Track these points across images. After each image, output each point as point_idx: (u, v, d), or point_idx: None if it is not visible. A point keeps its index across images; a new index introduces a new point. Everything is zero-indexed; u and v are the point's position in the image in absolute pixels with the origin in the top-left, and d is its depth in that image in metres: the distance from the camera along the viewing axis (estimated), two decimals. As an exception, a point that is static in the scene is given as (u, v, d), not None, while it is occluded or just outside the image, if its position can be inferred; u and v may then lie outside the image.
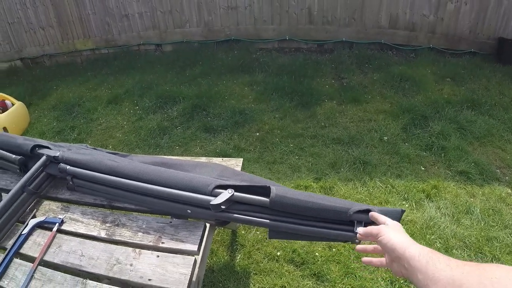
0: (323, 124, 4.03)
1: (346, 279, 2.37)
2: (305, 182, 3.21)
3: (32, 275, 1.50)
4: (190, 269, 1.43)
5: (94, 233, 1.69)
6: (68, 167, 1.85)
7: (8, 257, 1.59)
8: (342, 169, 3.34)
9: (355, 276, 2.38)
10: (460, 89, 4.49)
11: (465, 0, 4.90)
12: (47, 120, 4.96)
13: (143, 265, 1.48)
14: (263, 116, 4.26)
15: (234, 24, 5.77)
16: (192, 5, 5.77)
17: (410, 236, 2.19)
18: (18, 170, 2.03)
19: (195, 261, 1.49)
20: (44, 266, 1.56)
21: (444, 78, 4.73)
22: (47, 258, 1.59)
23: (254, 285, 2.40)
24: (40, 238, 1.69)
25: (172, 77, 5.47)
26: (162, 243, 1.57)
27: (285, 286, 2.37)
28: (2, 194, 1.91)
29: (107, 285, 1.43)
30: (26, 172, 1.93)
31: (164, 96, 4.88)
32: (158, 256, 1.50)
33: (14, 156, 2.01)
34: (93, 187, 1.85)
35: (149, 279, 1.41)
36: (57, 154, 1.94)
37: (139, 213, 1.81)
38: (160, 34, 6.20)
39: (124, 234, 1.65)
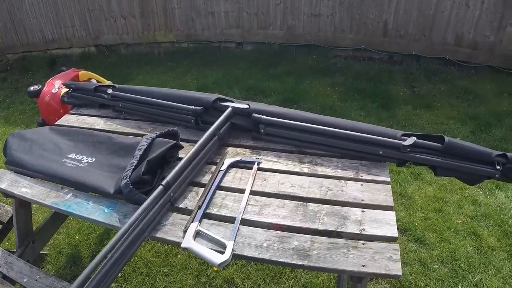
0: (403, 123, 5.11)
1: (442, 244, 3.15)
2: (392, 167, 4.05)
3: (247, 202, 1.82)
4: (391, 193, 1.84)
5: (297, 170, 2.04)
6: (263, 116, 2.21)
7: (212, 189, 1.88)
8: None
9: (449, 242, 3.16)
10: (517, 103, 5.58)
11: (523, 24, 5.92)
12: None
13: (352, 190, 1.86)
14: (350, 112, 5.38)
15: (315, 31, 6.92)
16: (278, 9, 6.91)
17: (488, 216, 3.41)
18: (192, 121, 2.39)
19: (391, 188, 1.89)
20: (255, 195, 1.88)
21: (502, 93, 5.79)
22: (255, 189, 1.92)
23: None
24: (238, 174, 2.04)
25: (256, 73, 6.63)
26: (361, 176, 1.97)
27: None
28: (181, 142, 2.21)
29: (325, 205, 1.79)
30: (198, 124, 2.37)
31: (253, 89, 6.04)
32: (362, 184, 1.90)
33: (193, 107, 2.35)
34: (287, 134, 2.21)
35: (362, 199, 1.80)
36: (245, 106, 2.30)
37: (330, 157, 2.15)
38: (243, 33, 7.35)
39: (325, 170, 2.02)
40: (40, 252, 3.06)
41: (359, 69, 6.58)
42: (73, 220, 3.58)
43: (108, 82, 5.47)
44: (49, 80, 5.26)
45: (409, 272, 2.97)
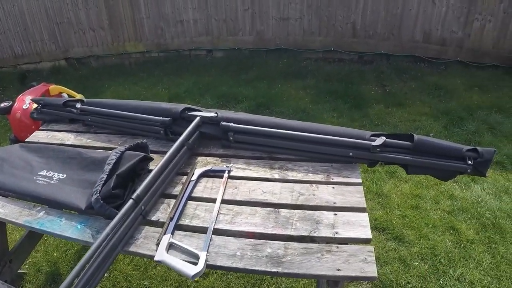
0: (376, 122, 5.16)
1: (421, 241, 3.16)
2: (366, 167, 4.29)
3: (218, 211, 1.81)
4: (363, 194, 1.85)
5: (268, 176, 2.04)
6: (232, 124, 2.21)
7: (183, 200, 1.87)
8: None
9: (428, 238, 3.17)
10: (487, 97, 5.64)
11: (489, 19, 6.04)
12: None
13: (324, 194, 1.86)
14: (322, 114, 5.40)
15: (284, 34, 6.99)
16: (247, 15, 6.96)
17: (465, 210, 3.44)
18: (161, 132, 2.38)
19: (363, 189, 1.91)
20: (226, 204, 1.88)
21: (472, 87, 5.91)
22: (226, 197, 1.91)
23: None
24: (209, 183, 2.02)
25: (227, 80, 6.62)
26: (332, 179, 1.97)
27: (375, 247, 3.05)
28: (151, 154, 2.22)
29: (297, 210, 1.79)
30: (168, 134, 2.37)
31: (225, 96, 6.03)
32: (333, 187, 1.91)
33: (162, 118, 2.35)
34: (256, 141, 2.21)
35: (334, 202, 1.80)
36: (213, 114, 2.31)
37: (300, 162, 2.15)
38: (213, 40, 7.38)
39: (296, 175, 2.03)
40: (18, 271, 2.99)
41: (329, 71, 6.65)
42: (50, 237, 3.52)
43: (79, 96, 5.40)
44: (19, 96, 5.18)
45: (390, 271, 2.97)
